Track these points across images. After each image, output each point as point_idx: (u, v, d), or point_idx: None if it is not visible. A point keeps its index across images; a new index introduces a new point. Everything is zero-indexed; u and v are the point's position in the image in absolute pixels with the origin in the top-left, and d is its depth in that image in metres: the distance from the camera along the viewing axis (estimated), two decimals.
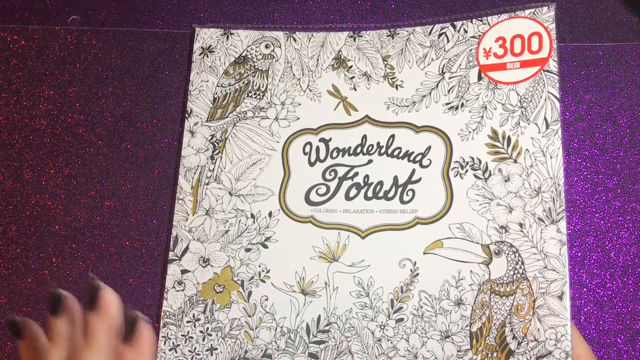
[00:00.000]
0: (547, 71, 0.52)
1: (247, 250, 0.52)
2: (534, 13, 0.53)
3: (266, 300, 0.51)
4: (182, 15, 0.59)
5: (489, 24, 0.54)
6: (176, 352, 0.50)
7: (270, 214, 0.52)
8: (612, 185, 0.53)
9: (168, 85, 0.57)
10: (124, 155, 0.56)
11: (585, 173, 0.54)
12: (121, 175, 0.56)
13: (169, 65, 0.58)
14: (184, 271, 0.52)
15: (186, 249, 0.52)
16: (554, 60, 0.52)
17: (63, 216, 0.55)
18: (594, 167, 0.54)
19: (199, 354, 0.50)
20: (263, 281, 0.51)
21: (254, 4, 0.59)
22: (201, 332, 0.50)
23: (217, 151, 0.54)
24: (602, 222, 0.53)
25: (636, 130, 0.54)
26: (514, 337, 0.47)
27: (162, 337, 0.50)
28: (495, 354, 0.47)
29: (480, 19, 0.54)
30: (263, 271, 0.51)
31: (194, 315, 0.51)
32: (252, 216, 0.53)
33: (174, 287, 0.51)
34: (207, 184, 0.53)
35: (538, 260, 0.48)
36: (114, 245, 0.54)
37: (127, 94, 0.58)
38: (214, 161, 0.54)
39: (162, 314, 0.51)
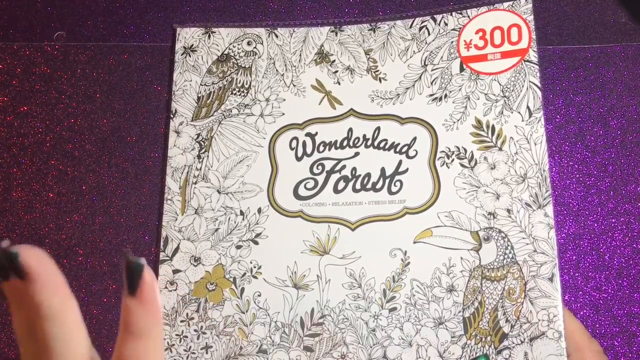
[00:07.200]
0: (528, 61, 0.52)
1: (238, 247, 0.52)
2: (512, 5, 0.54)
3: (259, 296, 0.51)
4: (168, 28, 0.59)
5: (468, 16, 0.55)
6: (171, 352, 0.50)
7: (259, 210, 0.52)
8: (604, 188, 0.54)
9: (157, 100, 0.57)
10: (114, 171, 0.56)
11: (577, 176, 0.54)
12: (112, 190, 0.55)
13: (157, 78, 0.58)
14: (175, 271, 0.52)
15: (177, 249, 0.52)
16: (534, 51, 0.52)
17: (54, 234, 0.54)
18: (586, 170, 0.54)
19: (194, 353, 0.50)
20: (255, 277, 0.51)
21: (240, 14, 0.59)
22: (195, 330, 0.50)
23: (203, 150, 0.54)
24: (595, 225, 0.53)
25: (627, 131, 0.55)
26: (507, 320, 0.48)
27: None
28: (489, 338, 0.48)
29: (459, 12, 0.55)
30: (255, 267, 0.51)
31: (187, 315, 0.51)
32: (242, 213, 0.52)
33: (166, 287, 0.51)
34: (195, 183, 0.53)
35: (527, 244, 0.49)
36: (107, 263, 0.54)
37: (115, 109, 0.57)
38: (200, 160, 0.54)
39: None
